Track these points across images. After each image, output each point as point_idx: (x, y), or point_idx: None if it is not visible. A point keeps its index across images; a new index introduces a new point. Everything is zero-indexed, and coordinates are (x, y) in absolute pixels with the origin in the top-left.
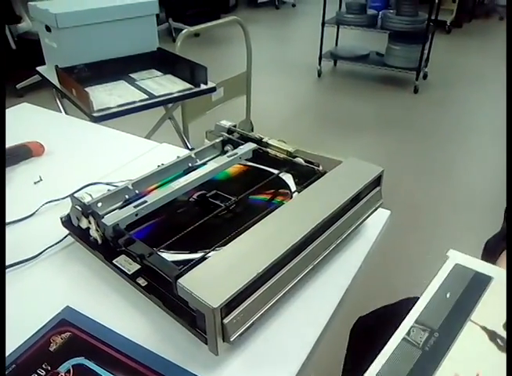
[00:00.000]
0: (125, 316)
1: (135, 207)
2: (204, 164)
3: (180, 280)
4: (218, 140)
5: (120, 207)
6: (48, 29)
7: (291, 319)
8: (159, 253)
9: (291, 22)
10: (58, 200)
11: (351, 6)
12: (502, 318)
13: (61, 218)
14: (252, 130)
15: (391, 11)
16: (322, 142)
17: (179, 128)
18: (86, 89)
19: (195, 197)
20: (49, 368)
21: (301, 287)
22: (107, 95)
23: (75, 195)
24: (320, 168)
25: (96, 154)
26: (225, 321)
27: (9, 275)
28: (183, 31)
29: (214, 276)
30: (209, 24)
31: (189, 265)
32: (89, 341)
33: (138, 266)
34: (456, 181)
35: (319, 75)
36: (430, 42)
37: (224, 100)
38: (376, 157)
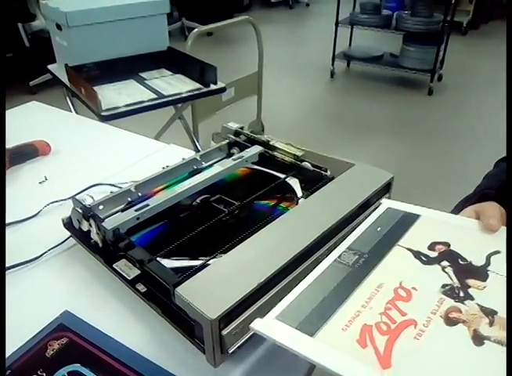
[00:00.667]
0: (124, 322)
1: (136, 210)
2: (209, 166)
3: (178, 289)
4: (224, 142)
5: (123, 210)
6: (58, 27)
7: None
8: (158, 259)
9: (305, 22)
10: (62, 200)
11: (366, 6)
12: (427, 242)
13: (63, 220)
14: (263, 130)
15: (406, 12)
16: (334, 145)
17: (189, 128)
18: (95, 88)
19: (198, 200)
20: (44, 375)
21: None
22: (116, 94)
23: (76, 197)
24: (328, 173)
25: (103, 154)
26: (224, 333)
27: (9, 276)
28: (194, 31)
29: (213, 285)
30: (221, 23)
31: (189, 273)
32: (86, 347)
33: (138, 271)
34: (471, 186)
35: (332, 76)
36: (446, 44)
37: (234, 100)
38: (388, 160)
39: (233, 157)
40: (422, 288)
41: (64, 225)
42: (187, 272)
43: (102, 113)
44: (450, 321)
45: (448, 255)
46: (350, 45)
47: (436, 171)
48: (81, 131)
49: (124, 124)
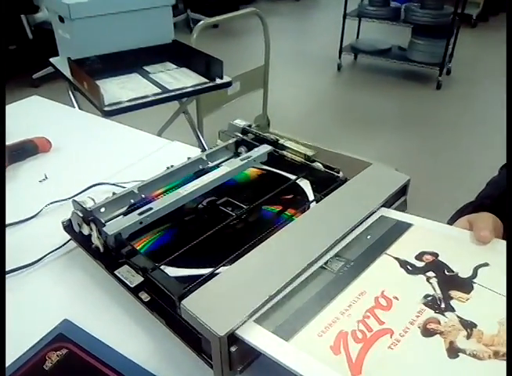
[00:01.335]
0: (126, 332)
1: (139, 214)
2: (216, 166)
3: (184, 302)
4: (231, 141)
5: (125, 213)
6: (61, 19)
7: None
8: (162, 268)
9: (312, 14)
10: (62, 200)
11: None
12: (416, 251)
13: (62, 223)
14: (268, 125)
15: (415, 4)
16: (340, 139)
17: (194, 123)
18: (98, 82)
19: (204, 203)
20: None
21: None
22: (119, 88)
23: (77, 199)
24: (340, 174)
25: (105, 152)
26: (233, 350)
27: (7, 281)
28: (199, 23)
29: (221, 297)
30: (227, 16)
31: (195, 283)
32: (86, 359)
33: (142, 279)
34: (480, 181)
35: (339, 69)
36: (456, 37)
37: (240, 94)
38: (395, 155)
39: (241, 157)
40: (403, 298)
41: (64, 228)
42: (193, 283)
43: (105, 109)
44: (427, 332)
45: (434, 266)
46: (357, 37)
47: (444, 167)
48: (82, 128)
49: (126, 118)
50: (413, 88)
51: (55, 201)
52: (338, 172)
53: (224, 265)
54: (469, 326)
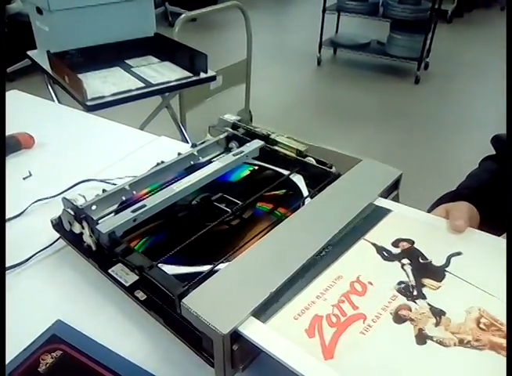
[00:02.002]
0: (122, 331)
1: (132, 211)
2: (208, 162)
3: (184, 300)
4: (222, 136)
5: (117, 211)
6: (39, 11)
7: None
8: (160, 265)
9: (291, 8)
10: (48, 198)
11: None
12: (392, 238)
13: (52, 221)
14: (251, 120)
15: None
16: (321, 133)
17: (176, 118)
18: (79, 76)
19: (198, 199)
20: None
21: None
22: (101, 82)
23: (67, 197)
24: (333, 169)
25: (91, 147)
26: (235, 348)
27: None
28: (182, 16)
29: (222, 295)
30: (209, 9)
31: (194, 281)
32: (82, 360)
33: (137, 277)
34: (458, 172)
35: (319, 63)
36: (433, 32)
37: (223, 89)
38: (376, 148)
39: (233, 153)
40: (378, 284)
41: (53, 226)
42: (192, 281)
43: (88, 103)
44: (398, 318)
45: (409, 253)
46: (337, 32)
47: (422, 160)
48: (66, 123)
49: (106, 113)
50: (392, 83)
51: (42, 199)
52: (331, 167)
53: (222, 262)
54: (438, 314)
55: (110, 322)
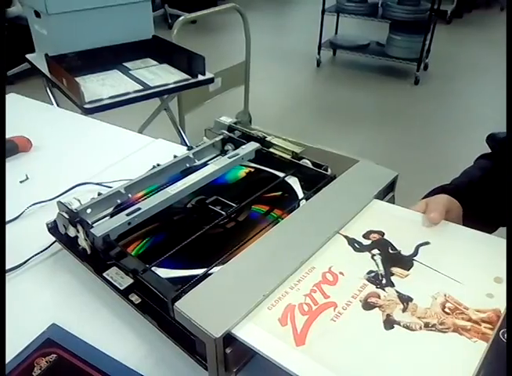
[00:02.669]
0: (117, 335)
1: (127, 215)
2: (203, 164)
3: (177, 304)
4: (217, 139)
5: (112, 214)
6: (37, 14)
7: None
8: (154, 269)
9: (290, 9)
10: (45, 201)
11: None
12: (364, 230)
13: (47, 225)
14: (250, 122)
15: (393, 0)
16: (320, 134)
17: (175, 120)
18: (77, 79)
19: (193, 202)
20: None
21: None
22: (99, 85)
23: (62, 200)
24: (329, 171)
25: (87, 150)
26: (228, 351)
27: None
28: (180, 19)
29: (215, 298)
30: (207, 11)
31: (188, 284)
32: (77, 364)
33: (131, 280)
34: (456, 173)
35: (318, 65)
36: (432, 33)
37: (222, 91)
38: (374, 149)
39: (229, 155)
40: (348, 274)
41: (49, 229)
42: (185, 284)
43: (86, 106)
44: (368, 305)
45: (379, 244)
46: (336, 33)
47: (421, 160)
48: (63, 126)
49: (105, 116)
50: (392, 84)
51: (38, 202)
52: (326, 170)
53: (215, 266)
54: (405, 300)
55: (105, 325)
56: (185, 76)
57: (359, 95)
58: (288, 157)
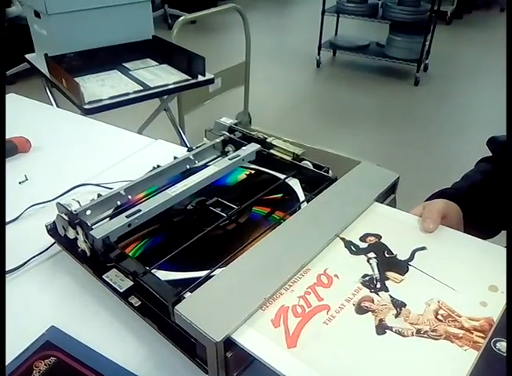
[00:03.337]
0: (117, 337)
1: (127, 216)
2: (204, 166)
3: (178, 307)
4: (218, 140)
5: (112, 216)
6: (36, 14)
7: None
8: (154, 272)
9: (290, 10)
10: (44, 202)
11: None
12: (361, 233)
13: (46, 226)
14: (250, 122)
15: (393, 1)
16: (321, 134)
17: (175, 121)
18: (77, 79)
19: (193, 204)
20: None
21: None
22: (99, 85)
23: (61, 202)
24: (330, 173)
25: (87, 151)
26: (229, 355)
27: None
28: (180, 19)
29: (215, 301)
30: (207, 11)
31: (188, 288)
32: (76, 368)
33: (131, 283)
34: (457, 174)
35: (318, 66)
36: (432, 33)
37: (222, 91)
38: (376, 149)
39: (229, 156)
40: (343, 276)
41: (48, 231)
42: (186, 287)
43: (85, 106)
44: (361, 309)
45: (376, 247)
46: (336, 34)
47: (422, 162)
48: (63, 126)
49: (105, 116)
50: (392, 85)
51: (37, 203)
52: (327, 171)
53: (216, 269)
54: (399, 305)
55: (105, 328)
56: (185, 76)
57: (359, 96)
58: (289, 158)
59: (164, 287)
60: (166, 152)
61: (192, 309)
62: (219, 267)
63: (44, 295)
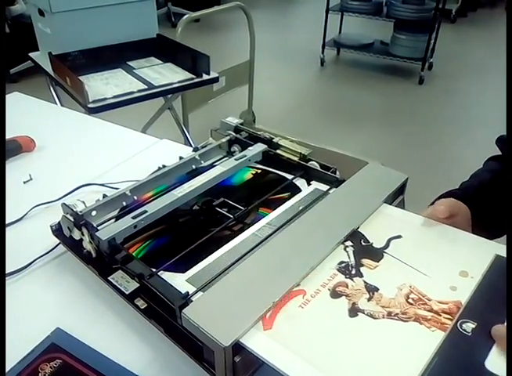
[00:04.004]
0: (122, 340)
1: (133, 218)
2: (210, 166)
3: (185, 311)
4: (224, 140)
5: (117, 217)
6: (41, 13)
7: None
8: (160, 273)
9: (294, 8)
10: (49, 202)
11: None
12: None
13: (51, 227)
14: (254, 121)
15: None
16: (325, 133)
17: (179, 119)
18: (81, 78)
19: (199, 204)
20: None
21: None
22: (103, 84)
23: (66, 202)
24: (337, 174)
25: (92, 150)
26: (237, 359)
27: None
28: (184, 17)
29: (223, 305)
30: (211, 9)
31: (195, 290)
32: (81, 370)
33: (137, 285)
34: (462, 173)
35: (322, 64)
36: (437, 32)
37: (226, 90)
38: (378, 149)
39: (236, 157)
40: (321, 264)
41: (53, 232)
42: (194, 290)
43: (90, 105)
44: (335, 294)
45: (353, 236)
46: (340, 32)
47: (426, 160)
48: (67, 125)
49: (108, 115)
50: (396, 83)
51: (42, 203)
52: (335, 172)
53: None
54: (372, 290)
55: (110, 330)
56: (190, 75)
57: (363, 95)
58: (296, 158)
59: (170, 290)
60: (171, 151)
61: (199, 313)
62: (226, 269)
63: (49, 296)
